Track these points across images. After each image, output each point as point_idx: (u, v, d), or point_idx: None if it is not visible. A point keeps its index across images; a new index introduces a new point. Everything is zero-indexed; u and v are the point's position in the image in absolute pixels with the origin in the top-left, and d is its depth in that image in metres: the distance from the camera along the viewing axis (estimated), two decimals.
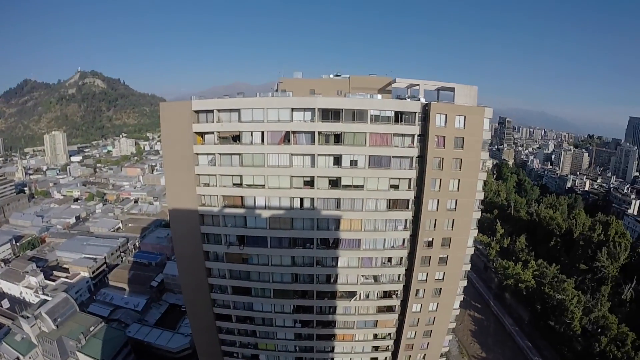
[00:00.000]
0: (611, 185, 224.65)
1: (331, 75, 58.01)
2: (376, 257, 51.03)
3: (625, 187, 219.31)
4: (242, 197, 46.58)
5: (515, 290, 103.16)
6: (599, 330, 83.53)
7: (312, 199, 46.12)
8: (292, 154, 44.13)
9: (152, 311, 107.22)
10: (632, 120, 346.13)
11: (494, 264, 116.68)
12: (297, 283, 51.56)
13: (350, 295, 52.81)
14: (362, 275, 52.03)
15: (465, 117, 45.10)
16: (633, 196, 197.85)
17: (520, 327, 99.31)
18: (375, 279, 52.79)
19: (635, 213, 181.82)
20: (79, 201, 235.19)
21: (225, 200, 47.06)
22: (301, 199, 46.22)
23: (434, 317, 56.39)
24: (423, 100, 47.59)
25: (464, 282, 56.27)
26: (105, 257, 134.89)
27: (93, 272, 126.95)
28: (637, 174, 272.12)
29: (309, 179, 45.34)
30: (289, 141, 43.65)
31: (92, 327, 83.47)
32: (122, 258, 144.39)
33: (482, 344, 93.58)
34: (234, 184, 46.42)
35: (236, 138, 45.16)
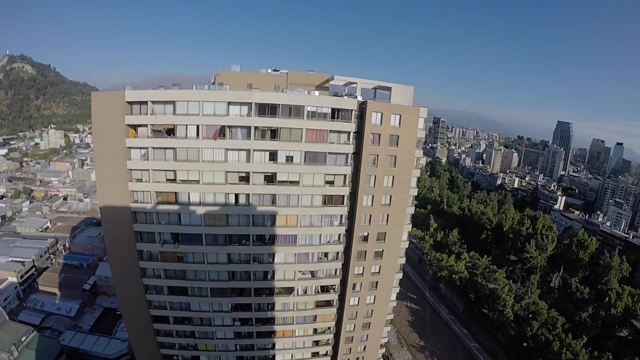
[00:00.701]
0: (539, 183, 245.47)
1: (269, 70, 58.61)
2: (313, 252, 52.50)
3: (552, 185, 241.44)
4: (176, 193, 45.90)
5: (450, 281, 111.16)
6: (530, 315, 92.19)
7: (248, 195, 46.62)
8: (227, 149, 44.29)
9: (86, 316, 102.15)
10: (559, 124, 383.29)
11: (429, 257, 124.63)
12: (234, 281, 51.77)
13: (288, 291, 54.01)
14: (299, 271, 53.34)
15: (400, 115, 47.94)
16: (559, 193, 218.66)
17: (456, 316, 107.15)
18: (313, 274, 54.40)
19: (561, 208, 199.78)
20: (4, 199, 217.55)
21: (159, 197, 46.16)
22: (236, 195, 46.51)
23: (372, 310, 59.31)
24: (360, 98, 49.84)
25: (400, 275, 59.69)
26: (33, 260, 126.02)
27: (21, 277, 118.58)
28: (563, 172, 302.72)
29: (244, 174, 45.74)
30: (224, 136, 43.74)
31: (24, 337, 79.04)
32: (51, 260, 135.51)
33: (420, 333, 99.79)
34: (167, 180, 45.55)
35: (170, 131, 44.46)
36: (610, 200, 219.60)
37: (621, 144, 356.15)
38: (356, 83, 53.62)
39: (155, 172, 45.22)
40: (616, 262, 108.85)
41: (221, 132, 43.66)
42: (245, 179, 45.94)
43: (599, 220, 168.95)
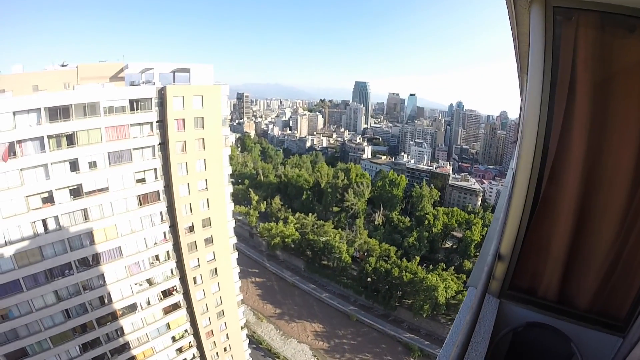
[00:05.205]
0: (345, 138, 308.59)
1: (57, 66, 63.68)
2: (142, 259, 62.48)
3: (358, 138, 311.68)
4: None
5: (285, 246, 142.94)
6: (366, 254, 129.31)
7: (57, 217, 52.57)
8: (21, 169, 48.45)
9: None
10: (357, 84, 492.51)
11: (258, 229, 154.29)
12: (71, 319, 56.81)
13: (132, 308, 63.17)
14: (136, 283, 62.97)
15: (202, 96, 61.91)
16: (365, 144, 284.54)
17: (300, 275, 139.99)
18: (150, 282, 64.95)
19: (369, 157, 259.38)
20: None
21: None
22: (44, 221, 51.78)
23: (220, 297, 74.16)
24: (159, 84, 60.83)
25: (236, 255, 76.52)
26: None
27: None
28: (366, 126, 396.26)
29: (47, 194, 51.43)
30: (15, 154, 47.55)
31: None
32: None
33: (273, 302, 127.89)
34: None
35: None
36: (411, 142, 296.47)
37: (414, 94, 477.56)
38: (153, 68, 63.90)
39: None
40: (426, 191, 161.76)
41: (11, 150, 47.41)
42: (49, 199, 51.71)
43: (404, 160, 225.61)
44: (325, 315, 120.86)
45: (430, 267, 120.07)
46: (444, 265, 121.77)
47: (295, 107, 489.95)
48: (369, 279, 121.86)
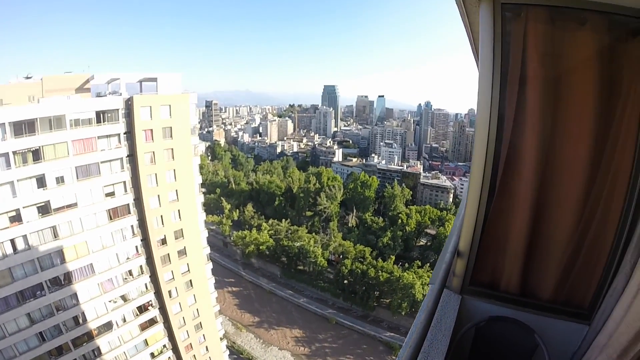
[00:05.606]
0: (316, 143, 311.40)
1: (22, 79, 62.65)
2: (115, 275, 61.47)
3: (328, 142, 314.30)
4: None
5: (260, 254, 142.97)
6: (341, 256, 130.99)
7: (25, 237, 51.40)
8: None
9: None
10: (325, 88, 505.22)
11: (232, 238, 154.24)
12: (46, 342, 55.29)
13: (108, 327, 61.98)
14: (110, 301, 61.89)
15: (170, 106, 61.71)
16: (335, 147, 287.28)
17: (277, 282, 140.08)
18: (124, 298, 63.91)
19: (340, 159, 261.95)
20: None
21: None
22: (12, 241, 50.53)
23: (197, 309, 73.47)
24: (125, 94, 60.16)
25: (210, 265, 76.22)
26: None
27: None
28: (335, 129, 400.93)
29: (14, 213, 50.21)
30: None
31: None
32: None
33: (252, 311, 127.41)
34: None
35: None
36: (381, 143, 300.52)
37: (382, 95, 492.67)
38: (119, 79, 62.91)
39: None
40: (398, 191, 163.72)
41: None
42: (16, 218, 50.45)
43: (375, 161, 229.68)
44: (304, 321, 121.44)
45: (406, 265, 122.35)
46: (420, 263, 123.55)
47: (264, 113, 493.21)
48: (345, 281, 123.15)
